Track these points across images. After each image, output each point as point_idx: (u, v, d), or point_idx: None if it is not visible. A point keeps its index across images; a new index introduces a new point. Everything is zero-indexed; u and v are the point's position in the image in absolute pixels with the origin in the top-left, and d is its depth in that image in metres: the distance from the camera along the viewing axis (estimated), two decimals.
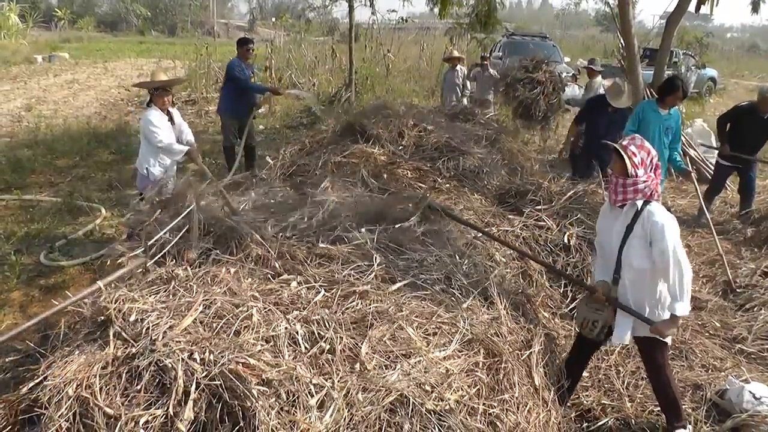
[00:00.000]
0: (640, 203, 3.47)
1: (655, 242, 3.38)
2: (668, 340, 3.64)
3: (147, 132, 5.67)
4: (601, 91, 8.43)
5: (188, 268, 3.52)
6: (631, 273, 3.55)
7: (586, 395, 4.15)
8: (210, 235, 3.92)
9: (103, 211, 7.39)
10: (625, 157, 3.46)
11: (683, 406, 3.83)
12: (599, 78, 10.22)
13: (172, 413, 2.55)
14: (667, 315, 3.51)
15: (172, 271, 3.46)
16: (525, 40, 18.87)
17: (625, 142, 3.54)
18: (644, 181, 3.44)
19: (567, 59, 19.44)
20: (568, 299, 4.90)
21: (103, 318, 3.06)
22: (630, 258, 3.51)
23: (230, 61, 8.77)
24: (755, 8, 10.78)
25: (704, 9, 8.77)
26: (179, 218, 3.87)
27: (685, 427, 3.69)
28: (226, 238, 3.88)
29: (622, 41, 9.85)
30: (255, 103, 8.80)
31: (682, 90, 6.17)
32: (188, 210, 3.91)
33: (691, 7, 9.21)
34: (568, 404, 3.98)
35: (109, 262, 5.41)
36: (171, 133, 5.80)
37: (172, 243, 3.77)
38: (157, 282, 3.40)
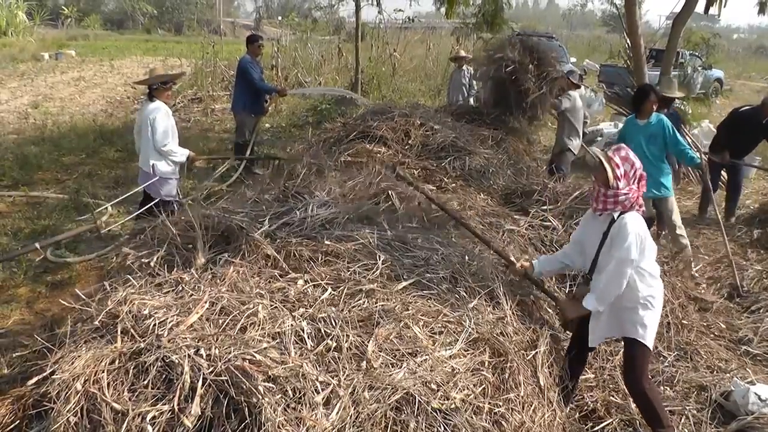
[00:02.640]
0: (616, 214, 3.53)
1: (614, 245, 3.47)
2: (649, 343, 3.63)
3: (156, 131, 5.60)
4: (578, 103, 7.71)
5: (196, 271, 3.53)
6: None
7: (591, 395, 4.15)
8: (219, 238, 3.92)
9: (110, 208, 7.41)
10: (608, 168, 3.49)
11: (668, 410, 3.84)
12: (577, 93, 7.91)
13: (178, 409, 2.56)
14: (638, 329, 3.58)
15: (180, 275, 3.47)
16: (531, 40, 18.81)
17: (610, 153, 3.58)
18: (625, 194, 3.48)
19: (573, 59, 19.37)
20: None
21: (110, 315, 3.08)
22: (603, 265, 3.58)
23: (242, 58, 8.78)
24: (762, 9, 10.73)
25: (712, 10, 8.74)
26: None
27: None
28: (233, 239, 3.88)
29: (628, 42, 9.87)
30: (266, 100, 8.84)
31: (654, 93, 6.02)
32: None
33: (700, 8, 9.19)
34: (573, 404, 3.98)
35: (115, 259, 5.48)
36: (176, 135, 5.79)
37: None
38: (164, 285, 3.41)
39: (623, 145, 3.69)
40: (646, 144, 5.99)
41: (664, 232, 6.58)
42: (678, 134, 6.04)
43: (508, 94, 8.17)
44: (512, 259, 4.13)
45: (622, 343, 3.89)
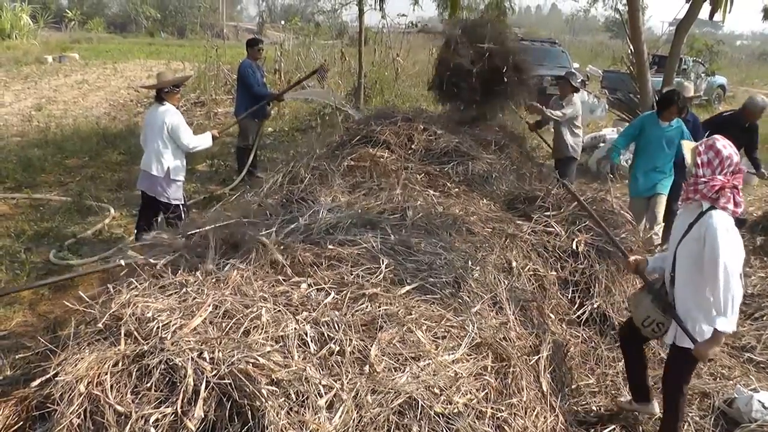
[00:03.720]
0: (706, 206, 3.38)
1: (707, 248, 3.27)
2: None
3: (181, 134, 5.67)
4: (579, 108, 7.59)
5: (200, 275, 3.53)
6: (682, 273, 3.49)
7: (594, 401, 4.14)
8: (227, 245, 3.94)
9: (112, 210, 7.44)
10: (688, 154, 3.42)
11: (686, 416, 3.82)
12: (578, 97, 7.69)
13: (181, 412, 2.57)
14: (709, 330, 3.36)
15: (185, 278, 3.48)
16: (534, 46, 18.85)
17: (699, 142, 3.49)
18: (704, 182, 3.33)
19: (576, 65, 19.39)
20: (576, 305, 4.89)
21: (114, 317, 3.08)
22: (682, 257, 3.47)
23: (242, 63, 8.78)
24: (767, 15, 10.73)
25: (717, 16, 8.72)
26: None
27: None
28: (242, 246, 3.89)
29: (631, 48, 9.83)
30: (269, 104, 8.83)
31: (677, 105, 6.11)
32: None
33: (703, 15, 9.19)
34: (577, 409, 3.98)
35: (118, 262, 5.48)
36: None
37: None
38: (167, 287, 3.42)
39: (717, 135, 3.51)
40: (662, 147, 6.23)
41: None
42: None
43: (459, 90, 7.65)
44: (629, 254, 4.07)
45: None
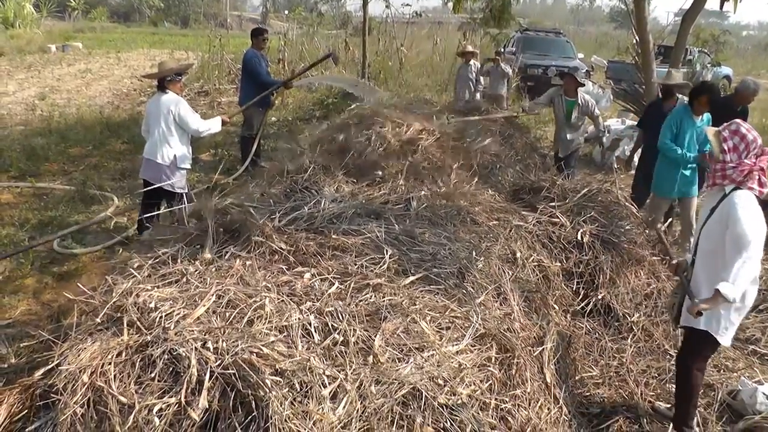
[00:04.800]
0: (729, 188, 3.40)
1: (730, 227, 3.28)
2: (722, 341, 3.51)
3: (188, 121, 5.67)
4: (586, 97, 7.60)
5: (201, 264, 3.52)
6: (703, 256, 3.49)
7: (598, 392, 4.14)
8: (227, 234, 3.92)
9: (116, 200, 7.43)
10: (714, 141, 3.41)
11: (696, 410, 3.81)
12: (582, 90, 7.86)
13: (185, 402, 2.56)
14: (713, 322, 3.40)
15: (185, 267, 3.47)
16: (538, 36, 18.78)
17: (722, 126, 3.47)
18: (733, 167, 3.35)
19: (581, 55, 19.29)
20: (580, 297, 4.88)
21: (116, 307, 3.08)
22: (704, 240, 3.47)
23: (246, 52, 8.72)
24: None
25: (727, 5, 8.61)
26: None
27: None
28: (242, 234, 3.87)
29: (636, 38, 9.76)
30: (273, 93, 8.79)
31: (708, 96, 5.87)
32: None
33: (710, 5, 9.09)
34: (581, 401, 3.97)
35: (121, 251, 5.49)
36: None
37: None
38: (169, 276, 3.41)
39: (739, 120, 3.51)
40: (693, 143, 5.93)
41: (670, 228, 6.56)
42: None
43: None
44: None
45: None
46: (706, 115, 5.97)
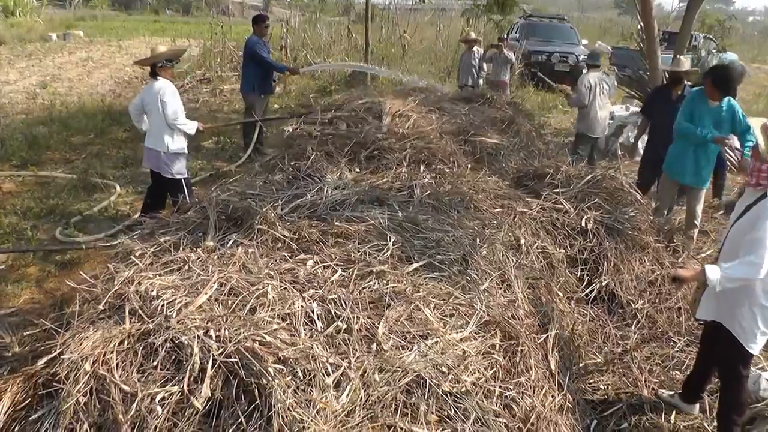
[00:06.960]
0: None
1: (755, 229, 3.14)
2: (752, 350, 3.38)
3: (167, 106, 5.63)
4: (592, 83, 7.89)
5: (203, 252, 3.51)
6: (728, 249, 3.38)
7: (602, 379, 4.13)
8: (230, 221, 3.91)
9: (118, 188, 7.42)
10: (762, 139, 3.23)
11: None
12: (592, 75, 8.18)
13: (187, 390, 2.55)
14: (759, 323, 3.30)
15: (187, 254, 3.45)
16: (542, 22, 18.64)
17: None
18: None
19: (585, 41, 19.15)
20: (584, 284, 4.86)
21: (118, 295, 3.07)
22: (731, 236, 3.37)
23: (248, 38, 8.69)
24: None
25: None
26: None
27: None
28: (245, 222, 3.86)
29: (641, 24, 9.68)
30: (274, 80, 8.77)
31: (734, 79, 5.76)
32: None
33: None
34: (585, 388, 3.97)
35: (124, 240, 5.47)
36: (183, 111, 5.81)
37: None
38: (171, 264, 3.40)
39: None
40: (712, 128, 5.64)
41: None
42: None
43: None
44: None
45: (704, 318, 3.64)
46: (726, 100, 5.64)
